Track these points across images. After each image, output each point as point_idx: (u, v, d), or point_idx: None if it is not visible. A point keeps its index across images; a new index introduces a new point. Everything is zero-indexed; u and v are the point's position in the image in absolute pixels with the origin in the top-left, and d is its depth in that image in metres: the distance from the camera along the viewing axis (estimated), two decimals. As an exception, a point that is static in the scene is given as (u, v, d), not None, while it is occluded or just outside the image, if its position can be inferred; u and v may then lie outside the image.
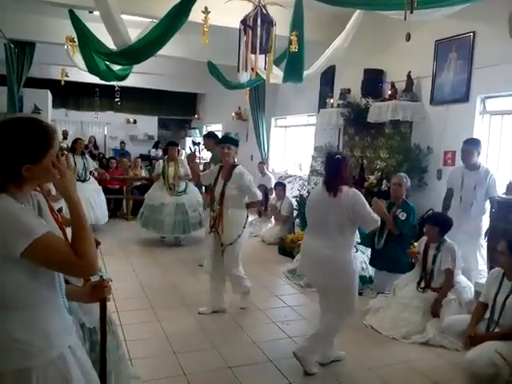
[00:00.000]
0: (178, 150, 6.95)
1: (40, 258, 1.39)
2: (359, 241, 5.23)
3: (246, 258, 6.24)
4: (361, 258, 5.12)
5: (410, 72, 5.74)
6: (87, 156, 7.77)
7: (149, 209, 6.69)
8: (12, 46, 8.04)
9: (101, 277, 3.91)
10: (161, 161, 6.89)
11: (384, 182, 5.66)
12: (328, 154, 3.45)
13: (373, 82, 6.28)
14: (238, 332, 3.84)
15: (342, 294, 3.18)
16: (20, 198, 1.45)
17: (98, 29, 5.87)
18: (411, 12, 3.10)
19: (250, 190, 4.13)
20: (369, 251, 5.23)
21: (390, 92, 5.90)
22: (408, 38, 3.32)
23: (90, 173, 7.49)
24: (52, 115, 11.94)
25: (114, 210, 9.17)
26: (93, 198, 7.36)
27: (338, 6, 4.71)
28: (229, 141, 4.26)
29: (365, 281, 4.90)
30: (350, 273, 3.19)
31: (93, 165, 7.74)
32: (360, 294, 4.74)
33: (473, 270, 4.48)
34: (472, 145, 4.52)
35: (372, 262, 4.87)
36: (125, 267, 5.66)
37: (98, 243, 2.31)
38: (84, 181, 7.28)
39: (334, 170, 3.17)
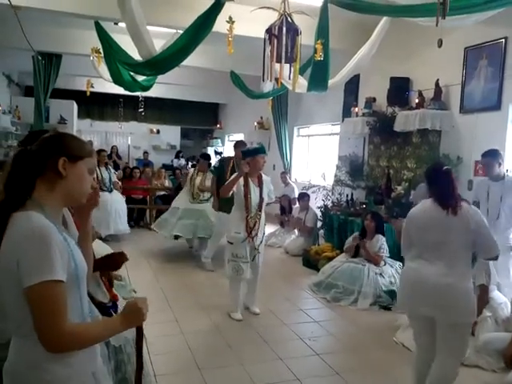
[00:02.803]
0: (209, 164, 6.86)
1: (34, 301, 1.26)
2: (388, 255, 5.10)
3: (270, 269, 6.18)
4: (389, 271, 4.98)
5: (438, 80, 5.60)
6: (110, 167, 7.85)
7: (169, 212, 6.65)
8: (39, 57, 8.19)
9: (133, 291, 3.82)
10: (192, 169, 6.90)
11: (412, 192, 5.50)
12: (433, 165, 3.02)
13: (399, 90, 6.17)
14: (264, 348, 3.74)
15: (461, 331, 2.66)
16: (50, 211, 1.37)
17: (123, 40, 5.93)
18: (443, 18, 2.99)
19: (273, 194, 4.71)
20: (397, 264, 5.09)
21: (417, 100, 5.76)
22: (440, 44, 3.20)
23: (112, 182, 7.55)
24: (77, 126, 12.15)
25: (138, 220, 9.20)
26: (119, 209, 7.43)
27: (365, 14, 4.62)
28: (265, 151, 4.66)
29: (394, 296, 4.72)
30: (473, 305, 2.69)
31: (115, 175, 7.81)
32: (389, 309, 4.65)
33: (505, 285, 4.29)
34: (490, 156, 4.33)
35: (402, 277, 4.70)
36: (148, 277, 5.63)
37: (125, 259, 2.27)
38: (110, 191, 7.39)
39: (447, 184, 2.72)
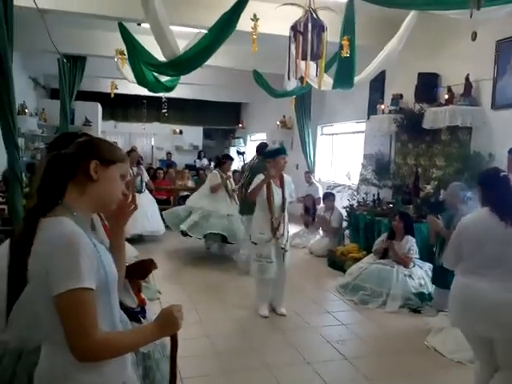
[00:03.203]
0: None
1: (63, 309, 1.23)
2: (418, 256, 4.96)
3: (295, 270, 6.09)
4: (419, 273, 4.83)
5: (468, 75, 5.41)
6: (142, 167, 7.85)
7: (203, 217, 6.34)
8: (64, 60, 8.29)
9: (158, 292, 3.77)
10: (216, 171, 6.62)
11: (442, 191, 5.33)
12: (489, 170, 2.81)
13: (427, 86, 6.01)
14: (292, 351, 3.65)
15: None
16: (80, 216, 1.34)
17: (146, 41, 5.94)
18: (478, 9, 2.85)
19: (294, 194, 4.73)
20: (427, 266, 4.94)
21: (446, 96, 5.58)
22: (474, 37, 3.06)
23: (142, 182, 7.54)
24: (102, 127, 12.30)
25: (161, 220, 9.22)
26: (149, 209, 7.42)
27: (393, 8, 4.49)
28: (285, 151, 4.57)
29: (424, 298, 4.61)
30: None
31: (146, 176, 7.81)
32: (419, 311, 4.51)
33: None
34: None
35: (433, 280, 4.55)
36: (172, 278, 5.62)
37: (154, 267, 2.22)
38: (140, 192, 7.37)
39: (506, 192, 2.52)
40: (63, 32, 7.48)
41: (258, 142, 6.79)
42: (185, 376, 3.14)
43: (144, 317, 2.20)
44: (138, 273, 2.08)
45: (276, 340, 3.88)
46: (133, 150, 7.80)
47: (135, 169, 7.37)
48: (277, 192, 4.36)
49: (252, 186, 4.42)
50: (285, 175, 4.52)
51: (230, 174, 6.68)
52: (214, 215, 6.26)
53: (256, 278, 4.46)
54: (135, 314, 2.12)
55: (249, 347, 3.71)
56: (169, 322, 1.41)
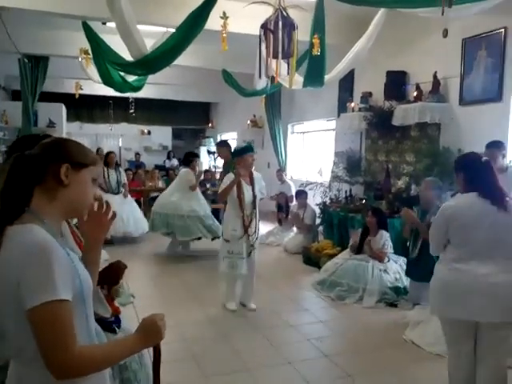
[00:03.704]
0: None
1: (38, 324, 1.14)
2: (392, 251, 5.02)
3: (270, 268, 6.09)
4: (394, 267, 4.89)
5: (435, 72, 5.52)
6: (120, 169, 7.78)
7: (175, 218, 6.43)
8: (26, 60, 7.99)
9: (132, 296, 3.65)
10: (187, 169, 6.55)
11: (413, 187, 5.43)
12: (469, 156, 2.76)
13: (396, 84, 6.10)
14: (271, 351, 3.62)
15: None
16: (50, 224, 1.25)
17: (112, 40, 5.78)
18: (449, 6, 2.90)
19: (265, 190, 4.74)
20: (401, 260, 5.01)
21: (415, 94, 5.68)
22: (445, 34, 3.10)
23: (123, 185, 7.48)
24: (66, 129, 11.93)
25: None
26: (124, 211, 7.27)
27: (363, 6, 4.53)
28: (253, 149, 4.67)
29: (399, 292, 4.67)
30: None
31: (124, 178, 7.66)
32: (395, 305, 4.57)
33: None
34: (495, 147, 4.25)
35: (407, 273, 4.63)
36: (145, 281, 5.51)
37: (123, 267, 2.14)
38: (117, 193, 7.32)
39: (492, 176, 2.51)
40: (24, 31, 7.20)
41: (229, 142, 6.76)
42: (164, 382, 3.06)
43: (119, 326, 2.10)
44: (109, 278, 2.00)
45: (255, 340, 3.84)
46: (111, 152, 7.78)
47: (112, 170, 7.34)
48: (247, 189, 4.41)
49: (222, 186, 4.45)
50: (254, 172, 4.59)
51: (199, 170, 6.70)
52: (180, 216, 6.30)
53: (225, 275, 4.51)
54: (109, 324, 2.03)
55: (228, 349, 3.66)
56: (152, 333, 1.35)
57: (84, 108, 13.33)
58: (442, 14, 2.90)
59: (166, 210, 6.41)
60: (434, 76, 5.51)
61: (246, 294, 4.59)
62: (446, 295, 2.55)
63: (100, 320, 1.95)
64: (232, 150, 5.35)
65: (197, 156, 6.91)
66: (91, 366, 1.21)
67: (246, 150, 4.50)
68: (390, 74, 6.18)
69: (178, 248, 6.78)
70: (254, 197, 4.44)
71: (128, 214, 7.32)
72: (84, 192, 1.32)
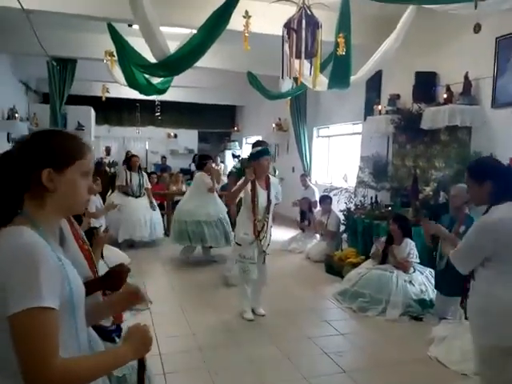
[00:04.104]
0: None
1: (18, 332, 1.05)
2: (418, 261, 4.78)
3: (291, 276, 5.93)
4: (420, 278, 4.65)
5: (467, 73, 5.26)
6: (143, 172, 7.75)
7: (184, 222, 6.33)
8: (54, 63, 8.10)
9: (150, 302, 3.51)
10: (201, 173, 6.47)
11: (442, 193, 5.17)
12: (495, 163, 2.53)
13: (425, 85, 5.85)
14: (287, 365, 3.45)
15: None
16: (44, 228, 1.17)
17: (137, 43, 5.75)
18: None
19: (281, 195, 4.58)
20: (427, 271, 4.76)
21: (445, 96, 5.42)
22: (477, 29, 2.89)
23: (146, 189, 7.45)
24: (95, 132, 12.12)
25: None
26: (145, 215, 7.28)
27: (392, 3, 4.33)
28: (269, 152, 4.55)
29: (425, 305, 4.42)
30: None
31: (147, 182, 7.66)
32: (420, 319, 4.33)
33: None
34: None
35: (436, 286, 4.36)
36: (165, 287, 5.43)
37: (126, 270, 2.03)
38: (138, 196, 7.29)
39: None
40: (52, 34, 7.30)
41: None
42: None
43: (119, 336, 2.00)
44: (111, 284, 1.89)
45: (270, 351, 3.68)
46: (134, 156, 7.76)
47: (134, 173, 7.32)
48: (261, 194, 4.33)
49: (234, 188, 4.46)
50: (271, 177, 4.52)
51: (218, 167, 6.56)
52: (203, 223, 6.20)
53: (239, 279, 4.48)
54: (109, 333, 1.92)
55: (242, 360, 3.51)
56: (143, 343, 1.29)
57: (112, 111, 13.47)
58: (475, 7, 2.69)
59: (184, 217, 6.35)
60: (466, 77, 5.25)
61: (255, 299, 4.51)
62: (505, 320, 2.22)
63: (99, 328, 1.86)
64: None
65: (209, 158, 6.72)
66: (75, 380, 1.11)
67: (261, 154, 4.37)
68: (419, 74, 5.93)
69: (191, 253, 6.64)
70: (269, 202, 4.35)
71: (146, 217, 7.29)
72: (74, 192, 1.23)
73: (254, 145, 5.93)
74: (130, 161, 7.55)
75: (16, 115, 8.76)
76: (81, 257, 1.76)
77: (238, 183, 4.36)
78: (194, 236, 6.21)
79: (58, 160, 1.20)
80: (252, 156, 4.47)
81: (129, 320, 3.86)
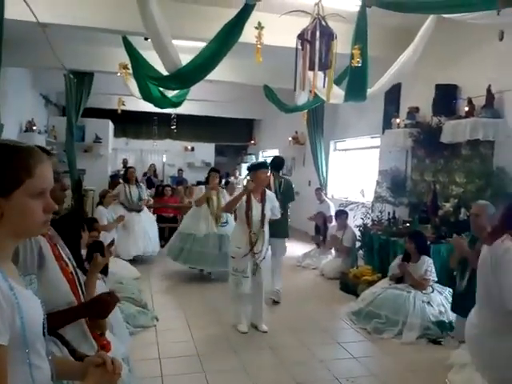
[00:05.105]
0: (221, 177, 6.54)
1: None
2: (436, 279, 4.55)
3: (303, 293, 5.74)
4: (438, 299, 4.41)
5: (489, 86, 5.06)
6: (142, 184, 7.65)
7: (187, 240, 6.16)
8: (71, 76, 8.17)
9: (156, 319, 3.30)
10: (202, 187, 6.34)
11: (462, 210, 4.94)
12: None
13: (445, 98, 5.67)
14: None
15: None
16: None
17: (152, 56, 5.73)
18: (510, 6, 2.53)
19: (278, 211, 4.54)
20: (447, 291, 4.53)
21: (466, 109, 5.22)
22: (501, 37, 2.73)
23: (141, 200, 7.24)
24: (113, 144, 12.22)
25: (168, 239, 8.95)
26: (150, 229, 7.21)
27: (410, 13, 4.20)
28: (267, 166, 4.60)
29: (444, 327, 4.18)
30: None
31: (147, 193, 7.59)
32: (439, 343, 4.10)
33: None
34: None
35: (453, 307, 4.14)
36: (172, 303, 5.30)
37: (115, 300, 1.89)
38: (139, 211, 7.15)
39: None
40: (69, 48, 7.38)
41: (270, 159, 6.49)
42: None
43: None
44: (97, 311, 1.76)
45: (278, 375, 3.49)
46: (130, 167, 7.70)
47: (133, 186, 7.16)
48: (256, 207, 4.31)
49: (230, 199, 4.55)
50: (267, 191, 4.51)
51: (218, 186, 6.26)
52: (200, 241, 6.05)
53: (231, 293, 4.42)
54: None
55: (249, 384, 3.34)
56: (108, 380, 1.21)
57: (130, 124, 13.57)
58: (498, 13, 2.53)
59: (181, 229, 6.33)
60: (488, 89, 5.04)
61: (255, 315, 4.46)
62: None
63: (81, 359, 1.72)
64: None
65: (215, 171, 6.37)
66: None
67: (259, 166, 4.45)
68: (439, 87, 5.75)
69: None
70: (263, 215, 4.31)
71: (152, 233, 7.23)
72: (25, 216, 1.10)
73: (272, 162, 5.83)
74: (126, 173, 7.43)
75: (34, 128, 8.87)
76: (61, 280, 1.63)
77: (234, 194, 4.40)
78: (189, 255, 6.07)
79: (1, 186, 1.07)
80: (250, 168, 4.53)
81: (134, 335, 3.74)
